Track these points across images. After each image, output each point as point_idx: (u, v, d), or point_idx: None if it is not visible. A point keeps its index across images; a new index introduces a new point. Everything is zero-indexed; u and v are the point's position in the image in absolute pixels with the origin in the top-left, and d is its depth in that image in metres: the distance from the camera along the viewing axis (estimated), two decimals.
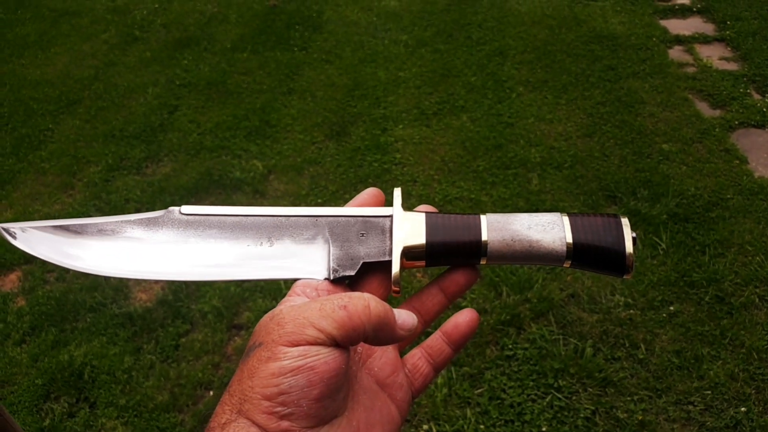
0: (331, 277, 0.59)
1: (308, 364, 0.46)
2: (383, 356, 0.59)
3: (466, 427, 2.15)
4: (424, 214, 0.61)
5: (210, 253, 0.59)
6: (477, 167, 3.31)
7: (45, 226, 0.60)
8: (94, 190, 3.34)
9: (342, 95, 4.05)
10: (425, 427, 2.18)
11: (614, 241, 0.59)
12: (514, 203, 3.04)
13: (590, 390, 2.23)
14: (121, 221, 0.60)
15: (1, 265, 2.92)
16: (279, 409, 0.46)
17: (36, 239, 0.59)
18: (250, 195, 3.23)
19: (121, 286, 2.75)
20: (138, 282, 2.79)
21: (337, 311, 0.49)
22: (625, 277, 0.60)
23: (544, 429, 2.14)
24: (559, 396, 2.22)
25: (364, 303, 0.50)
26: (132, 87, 4.31)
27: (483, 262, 0.60)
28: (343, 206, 0.64)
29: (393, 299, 0.61)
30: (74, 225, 0.60)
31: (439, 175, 3.28)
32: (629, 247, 0.58)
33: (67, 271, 2.84)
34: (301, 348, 0.47)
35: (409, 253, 0.59)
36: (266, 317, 0.51)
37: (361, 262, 0.60)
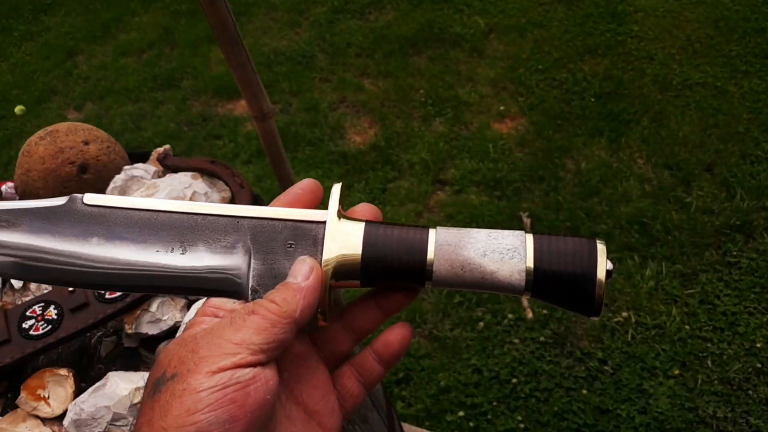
0: (249, 298, 0.49)
1: (229, 396, 0.40)
2: (312, 379, 0.51)
3: (668, 324, 2.04)
4: (363, 224, 0.50)
5: (114, 259, 0.50)
6: (729, 52, 2.89)
7: None
8: (318, 30, 3.44)
9: None
10: (624, 314, 2.10)
11: (584, 274, 0.48)
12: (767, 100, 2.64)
13: None
14: (21, 209, 0.52)
15: (235, 91, 3.17)
16: None
17: None
18: (467, 53, 3.14)
19: (338, 126, 2.88)
20: (353, 124, 2.89)
21: (250, 319, 0.43)
22: (592, 318, 0.49)
23: (758, 345, 1.96)
24: None
25: (274, 299, 0.45)
26: None
27: (428, 286, 0.50)
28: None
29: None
30: None
31: (681, 55, 2.92)
32: (601, 281, 0.47)
33: (290, 103, 3.02)
34: (220, 375, 0.40)
35: (341, 271, 0.49)
36: (173, 344, 0.44)
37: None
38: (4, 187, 1.28)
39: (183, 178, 1.13)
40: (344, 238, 0.50)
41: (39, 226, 0.51)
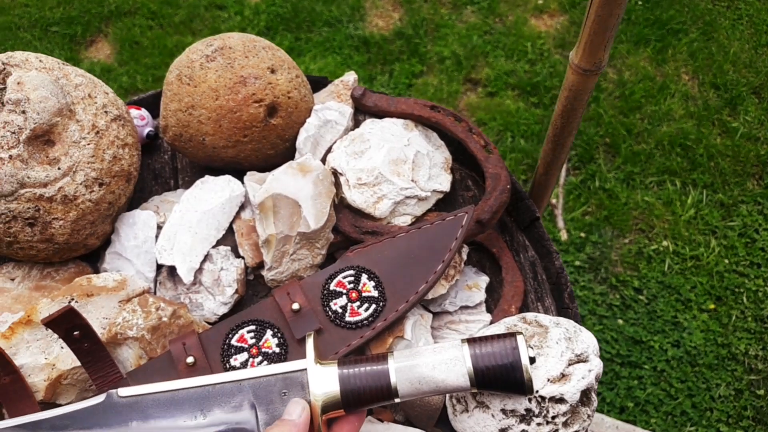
0: None
1: None
2: None
3: (706, 255, 1.99)
4: (335, 367, 0.63)
5: None
6: None
7: (3, 429, 0.63)
8: None
9: None
10: (664, 243, 2.03)
11: (513, 365, 0.62)
12: None
13: None
14: (64, 414, 0.64)
15: None
16: None
17: None
18: None
19: (357, 6, 2.55)
20: (375, 5, 2.57)
21: None
22: (527, 396, 0.65)
23: None
24: None
25: None
26: None
27: (397, 401, 0.63)
28: None
29: None
30: (27, 424, 0.63)
31: None
32: (527, 368, 0.62)
33: None
34: None
35: (327, 406, 0.62)
36: None
37: None
38: (135, 113, 0.96)
39: (395, 129, 0.88)
40: (324, 381, 0.62)
41: (88, 423, 0.63)
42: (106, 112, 0.82)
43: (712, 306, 1.93)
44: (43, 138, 0.77)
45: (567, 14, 2.54)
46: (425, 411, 0.74)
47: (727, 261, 1.99)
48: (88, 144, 0.79)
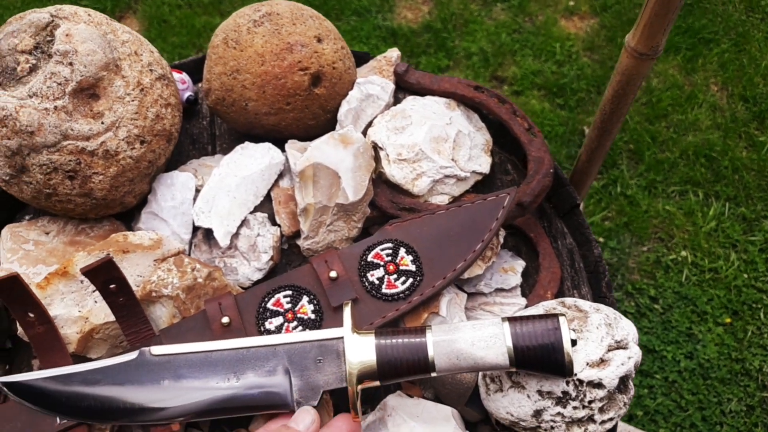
0: (295, 409, 0.63)
1: None
2: None
3: (725, 269, 1.98)
4: (373, 336, 0.63)
5: (184, 395, 0.63)
6: None
7: (36, 379, 0.63)
8: None
9: None
10: (682, 253, 2.02)
11: (554, 346, 0.61)
12: None
13: None
14: (99, 368, 0.64)
15: None
16: None
17: (29, 392, 0.63)
18: None
19: None
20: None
21: None
22: (567, 378, 0.64)
23: None
24: None
25: None
26: None
27: (433, 375, 0.63)
28: None
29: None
30: (60, 376, 0.64)
31: None
32: (568, 351, 0.61)
33: None
34: None
35: (363, 376, 0.62)
36: None
37: (322, 391, 0.63)
38: (176, 76, 0.94)
39: (437, 108, 0.87)
40: (361, 351, 0.62)
41: (120, 379, 0.64)
42: (151, 70, 0.81)
43: (728, 320, 1.91)
44: (88, 91, 0.77)
45: (598, 17, 2.52)
46: (456, 389, 0.73)
47: (746, 275, 1.98)
48: (133, 100, 0.79)
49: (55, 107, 0.74)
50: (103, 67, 0.77)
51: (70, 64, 0.76)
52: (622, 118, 0.85)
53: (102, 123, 0.77)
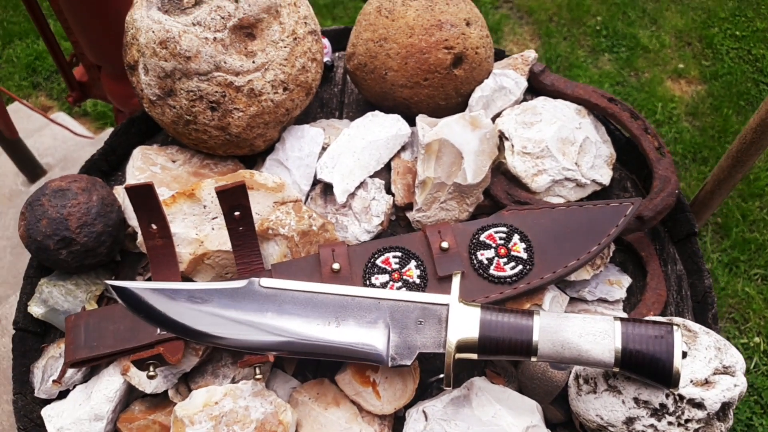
0: (390, 365, 0.64)
1: None
2: None
3: None
4: (479, 309, 0.63)
5: (284, 329, 0.65)
6: None
7: (144, 288, 0.66)
8: None
9: None
10: (756, 339, 1.93)
11: (663, 353, 0.60)
12: None
13: None
14: (212, 289, 0.67)
15: None
16: None
17: (135, 300, 0.66)
18: None
19: (496, 28, 2.58)
20: (513, 31, 2.60)
21: None
22: (669, 389, 0.62)
23: None
24: None
25: None
26: None
27: (533, 359, 0.62)
28: None
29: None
30: (168, 290, 0.66)
31: None
32: (678, 362, 0.59)
33: None
34: None
35: (462, 346, 0.62)
36: None
37: (417, 352, 0.64)
38: (327, 50, 0.99)
39: (568, 111, 0.89)
40: (464, 321, 0.62)
41: (225, 303, 0.66)
42: (305, 23, 0.85)
43: None
44: (246, 30, 0.81)
45: (706, 84, 2.49)
46: (545, 385, 0.72)
47: None
48: (285, 47, 0.82)
49: (215, 38, 0.79)
50: (265, 9, 0.81)
51: (236, 0, 0.80)
52: (761, 151, 0.84)
53: (253, 62, 0.81)
